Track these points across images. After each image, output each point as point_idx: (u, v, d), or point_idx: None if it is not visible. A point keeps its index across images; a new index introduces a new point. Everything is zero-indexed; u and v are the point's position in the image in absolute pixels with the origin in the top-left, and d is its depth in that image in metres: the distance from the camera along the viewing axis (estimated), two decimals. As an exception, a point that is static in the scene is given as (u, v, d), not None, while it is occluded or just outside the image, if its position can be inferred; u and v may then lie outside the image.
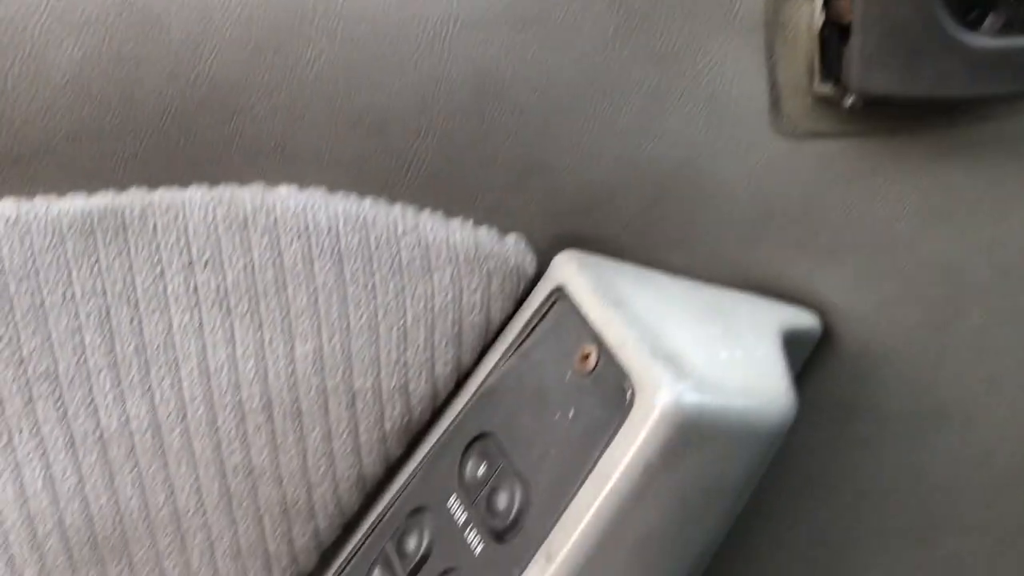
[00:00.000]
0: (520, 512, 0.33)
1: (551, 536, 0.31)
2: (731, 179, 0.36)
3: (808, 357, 0.39)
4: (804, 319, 0.38)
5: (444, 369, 0.37)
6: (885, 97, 0.35)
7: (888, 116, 0.36)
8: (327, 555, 0.40)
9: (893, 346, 0.39)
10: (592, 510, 0.31)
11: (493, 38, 0.33)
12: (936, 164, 0.37)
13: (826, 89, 0.35)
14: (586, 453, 0.32)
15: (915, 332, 0.39)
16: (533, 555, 0.32)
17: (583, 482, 0.31)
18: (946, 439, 0.41)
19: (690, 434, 0.30)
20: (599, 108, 0.34)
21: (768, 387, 0.32)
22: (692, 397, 0.30)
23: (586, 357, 0.33)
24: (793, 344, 0.37)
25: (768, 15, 0.34)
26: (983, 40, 0.33)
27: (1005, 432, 0.41)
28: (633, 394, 0.31)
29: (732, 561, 0.42)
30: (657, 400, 0.30)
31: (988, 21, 0.35)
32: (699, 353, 0.32)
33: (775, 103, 0.35)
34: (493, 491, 0.34)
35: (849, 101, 0.35)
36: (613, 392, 0.32)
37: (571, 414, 0.33)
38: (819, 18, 0.34)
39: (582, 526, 0.31)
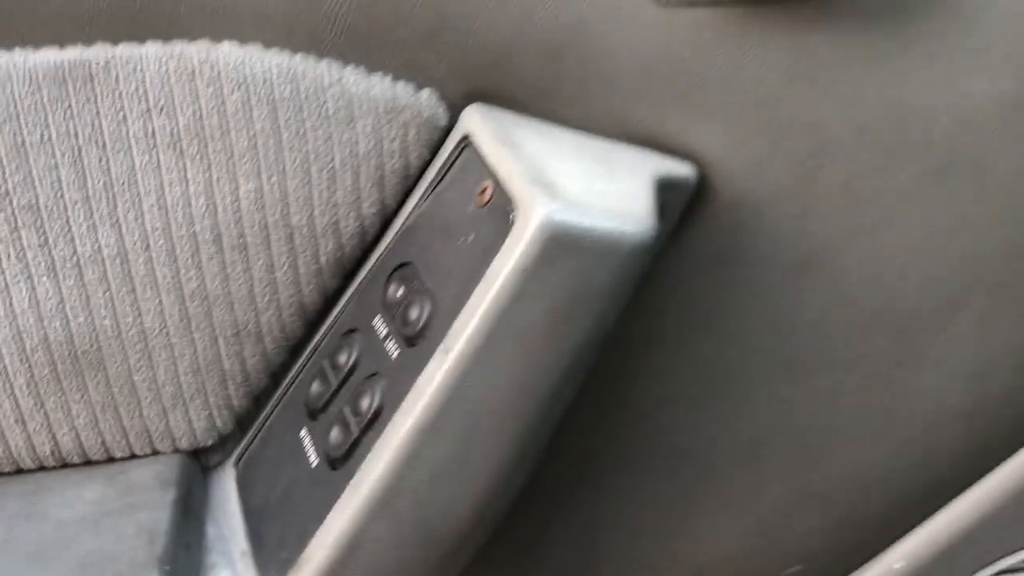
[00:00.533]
0: (427, 320, 0.39)
1: (448, 334, 0.38)
2: (615, 43, 0.42)
3: (687, 207, 0.45)
4: (679, 168, 0.43)
5: (370, 209, 0.43)
6: (747, -30, 0.40)
7: (753, -12, 0.41)
8: (276, 375, 0.47)
9: (764, 198, 0.45)
10: (480, 309, 0.37)
11: None
12: (798, 30, 0.42)
13: (696, -37, 0.40)
14: (479, 267, 0.38)
15: (783, 185, 0.45)
16: (435, 352, 0.38)
17: (474, 289, 0.37)
18: (814, 283, 0.47)
19: (559, 245, 0.36)
20: None
21: (631, 212, 0.38)
22: (561, 215, 0.36)
23: (484, 191, 0.39)
24: (668, 190, 0.43)
25: None
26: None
27: (867, 277, 0.47)
28: (515, 216, 0.37)
29: (624, 381, 0.48)
30: (532, 217, 0.36)
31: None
32: (575, 184, 0.38)
33: (652, -25, 0.41)
34: (407, 306, 0.40)
35: (716, -27, 0.40)
36: (502, 217, 0.38)
37: (471, 239, 0.39)
38: (688, -102, 0.39)
39: (472, 323, 0.37)
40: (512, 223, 0.37)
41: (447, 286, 0.39)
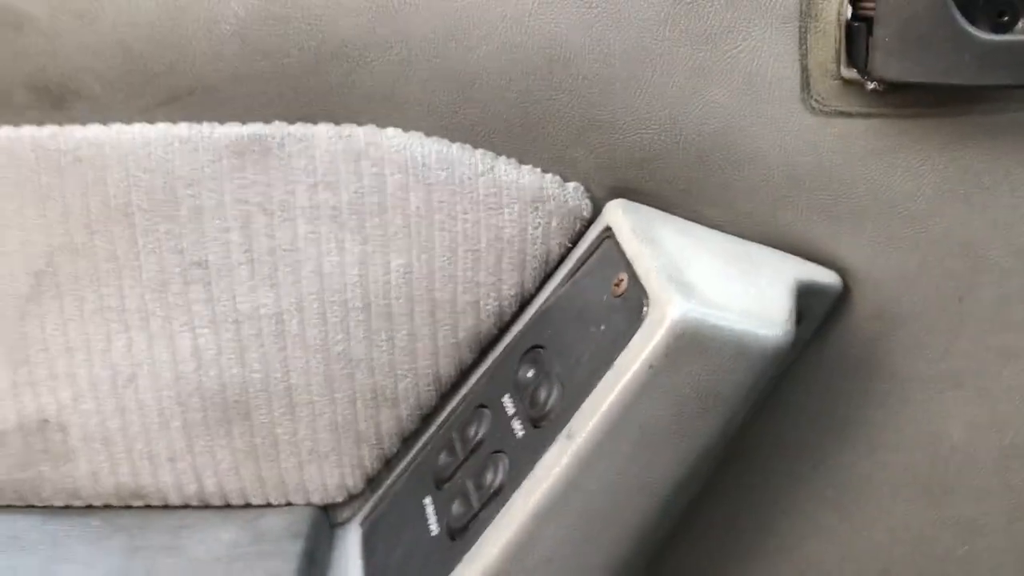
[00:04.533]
0: (554, 404, 0.40)
1: (572, 420, 0.38)
2: (764, 148, 0.42)
3: (829, 315, 0.44)
4: (822, 275, 0.43)
5: (509, 291, 0.45)
6: (903, 83, 0.40)
7: (908, 100, 0.41)
8: (407, 441, 0.48)
9: (910, 312, 0.44)
10: (606, 399, 0.37)
11: (564, 15, 0.41)
12: (954, 147, 0.41)
13: (851, 74, 0.41)
14: (608, 357, 0.38)
15: (932, 301, 0.44)
16: (558, 436, 0.39)
17: (601, 378, 0.38)
18: (960, 406, 0.45)
19: (689, 343, 0.37)
20: (650, 78, 0.41)
21: (767, 315, 0.38)
22: (693, 313, 0.37)
23: (619, 283, 0.40)
24: (810, 296, 0.42)
25: (802, 7, 0.40)
26: (988, 35, 0.38)
27: (1019, 403, 0.45)
28: (647, 310, 0.38)
29: (756, 490, 0.48)
30: (665, 314, 0.37)
31: (1021, 24, 0.39)
32: (711, 283, 0.39)
33: (805, 84, 0.41)
34: (536, 388, 0.42)
35: (871, 85, 0.40)
36: (635, 309, 0.38)
37: (602, 328, 0.40)
38: (847, 11, 0.40)
39: (597, 411, 0.38)
40: (644, 316, 0.38)
41: (576, 372, 0.40)
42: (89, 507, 0.49)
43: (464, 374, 0.47)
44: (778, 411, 0.46)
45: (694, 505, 0.45)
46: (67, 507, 0.49)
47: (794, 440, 0.47)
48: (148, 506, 0.49)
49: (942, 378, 0.45)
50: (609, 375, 0.38)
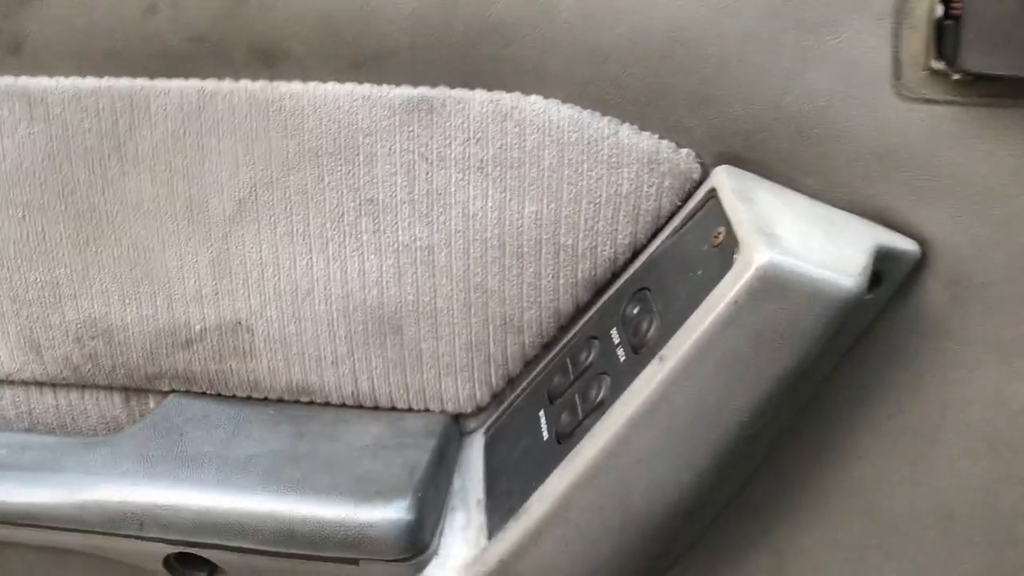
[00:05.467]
0: (652, 334, 0.47)
1: (666, 346, 0.46)
2: (856, 127, 0.48)
3: (908, 279, 0.50)
4: (903, 242, 0.49)
5: (623, 241, 0.52)
6: (987, 75, 0.45)
7: (991, 90, 0.46)
8: (528, 364, 0.57)
9: (984, 281, 0.49)
10: (694, 328, 0.45)
11: (687, 3, 0.48)
12: None
13: (939, 65, 0.46)
14: (700, 295, 0.46)
15: (1004, 271, 0.48)
16: (652, 359, 0.46)
17: (692, 311, 0.45)
18: None
19: (770, 285, 0.43)
20: (760, 61, 0.48)
21: (842, 267, 0.44)
22: (776, 258, 0.43)
23: (717, 235, 0.47)
24: (888, 260, 0.48)
25: (896, 4, 0.46)
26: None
27: None
28: (738, 255, 0.44)
29: (828, 429, 0.53)
30: (751, 258, 0.43)
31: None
32: (795, 237, 0.45)
33: (897, 73, 0.47)
34: (638, 321, 0.49)
35: (956, 76, 0.46)
36: (727, 256, 0.45)
37: (699, 272, 0.47)
38: (937, 10, 0.45)
39: (685, 339, 0.45)
40: (734, 262, 0.44)
41: (672, 308, 0.47)
42: (266, 399, 0.59)
43: (580, 310, 0.55)
44: (858, 364, 0.52)
45: (774, 442, 0.52)
46: (249, 398, 0.60)
47: (872, 392, 0.53)
48: (313, 402, 0.59)
49: (1011, 343, 0.50)
50: (700, 309, 0.45)
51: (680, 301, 0.47)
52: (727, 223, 0.47)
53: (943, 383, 0.51)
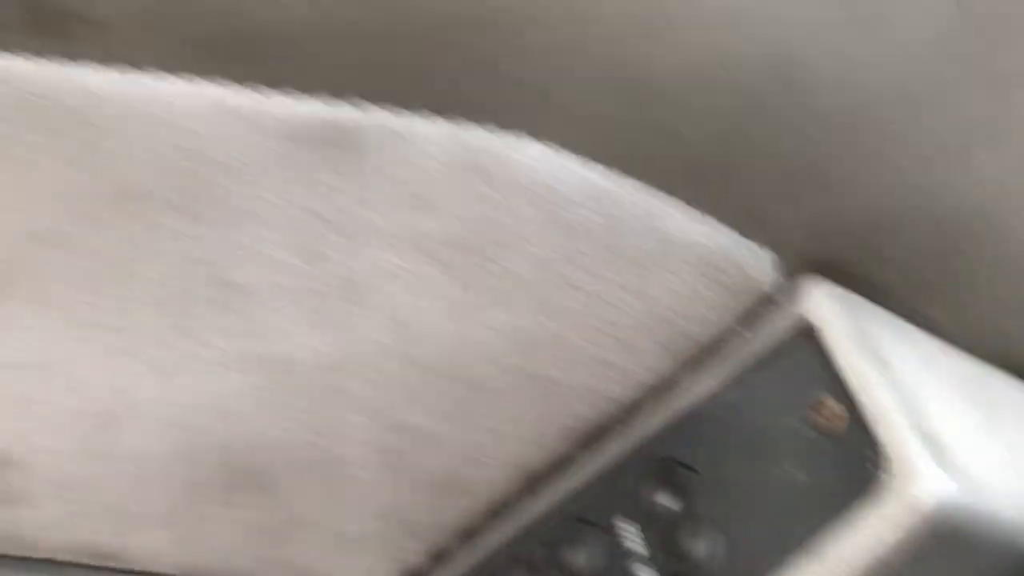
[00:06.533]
0: (715, 567, 0.29)
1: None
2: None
3: None
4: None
5: (644, 378, 0.33)
6: None
7: None
8: (469, 537, 0.37)
9: None
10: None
11: (798, 15, 0.28)
12: None
13: None
14: (808, 525, 0.27)
15: None
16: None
17: (797, 558, 0.27)
18: None
19: (946, 538, 0.25)
20: (910, 122, 0.29)
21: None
22: (959, 496, 0.25)
23: (827, 412, 0.29)
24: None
25: None
26: None
27: None
28: (886, 475, 0.26)
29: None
30: (916, 489, 0.25)
31: None
32: (964, 442, 0.27)
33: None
34: (680, 531, 0.30)
35: None
36: (857, 464, 0.27)
37: (796, 473, 0.29)
38: None
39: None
40: (878, 484, 0.26)
41: (754, 530, 0.29)
42: (50, 561, 0.38)
43: (558, 467, 0.36)
44: None
45: None
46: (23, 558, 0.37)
47: None
48: (116, 570, 0.37)
49: None
50: (811, 558, 0.27)
51: (762, 520, 0.29)
52: (847, 397, 0.28)
53: None
